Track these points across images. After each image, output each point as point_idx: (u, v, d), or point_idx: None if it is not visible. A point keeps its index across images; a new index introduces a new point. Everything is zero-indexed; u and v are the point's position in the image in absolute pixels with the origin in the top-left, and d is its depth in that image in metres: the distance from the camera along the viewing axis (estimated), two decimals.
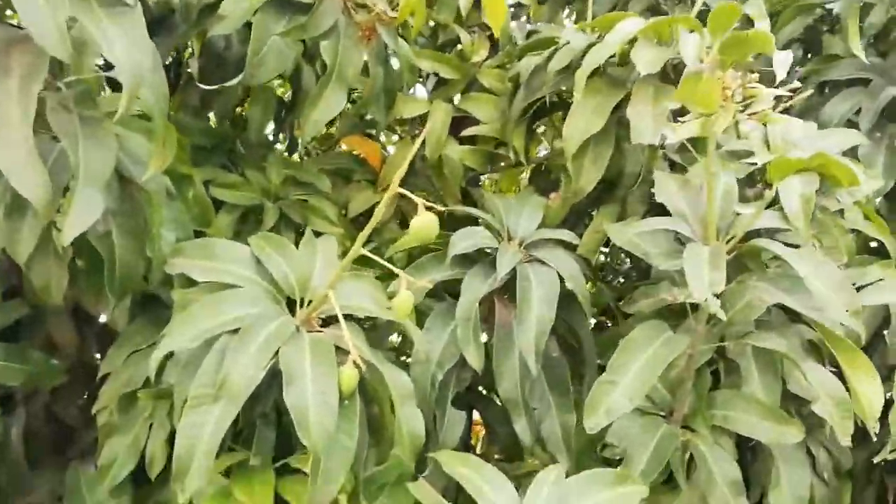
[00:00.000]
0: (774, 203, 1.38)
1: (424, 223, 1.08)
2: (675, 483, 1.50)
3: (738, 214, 1.34)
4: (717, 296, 1.16)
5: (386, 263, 1.18)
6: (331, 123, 2.44)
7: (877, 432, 1.26)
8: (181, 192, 1.44)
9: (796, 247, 1.32)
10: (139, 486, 1.59)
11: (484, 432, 2.06)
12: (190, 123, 1.96)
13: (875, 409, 1.23)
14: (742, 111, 1.28)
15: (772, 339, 1.35)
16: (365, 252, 1.18)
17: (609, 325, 2.10)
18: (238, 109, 2.30)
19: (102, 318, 1.90)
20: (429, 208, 1.10)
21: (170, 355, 1.35)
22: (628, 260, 2.41)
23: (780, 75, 1.20)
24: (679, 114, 1.61)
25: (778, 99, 1.30)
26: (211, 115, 2.15)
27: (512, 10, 3.00)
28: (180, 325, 1.18)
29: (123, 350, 1.62)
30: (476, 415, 1.89)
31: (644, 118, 1.53)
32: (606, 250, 2.59)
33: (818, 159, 1.18)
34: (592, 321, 2.15)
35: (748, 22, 1.56)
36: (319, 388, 1.10)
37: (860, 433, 1.34)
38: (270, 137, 2.40)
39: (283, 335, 1.16)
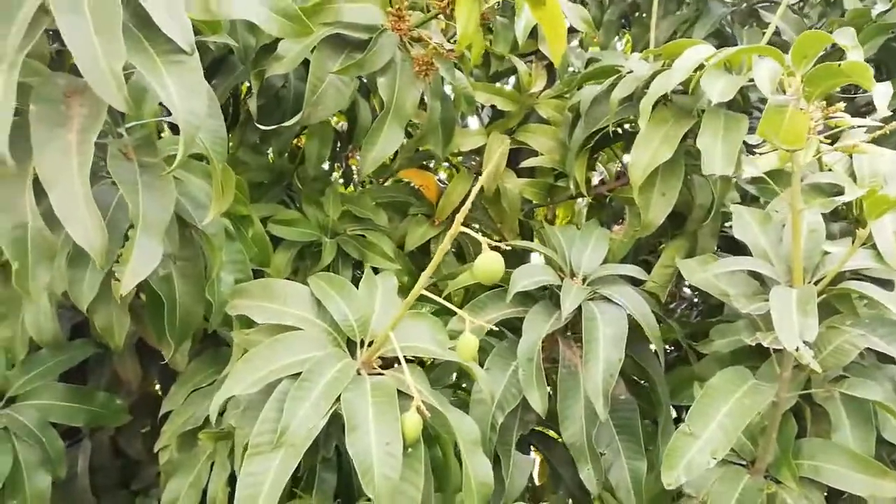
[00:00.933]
0: (866, 242, 1.29)
1: (489, 263, 1.03)
2: None
3: (826, 253, 1.24)
4: (808, 344, 1.08)
5: (447, 304, 1.13)
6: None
7: None
8: (240, 233, 1.44)
9: (889, 286, 1.22)
10: None
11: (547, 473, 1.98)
12: (249, 160, 1.99)
13: None
14: (827, 142, 1.19)
15: (865, 387, 1.25)
16: (426, 293, 1.13)
17: (676, 354, 1.99)
18: (295, 142, 2.31)
19: None
20: (494, 248, 1.05)
21: (230, 397, 1.35)
22: (694, 294, 2.30)
23: (882, 110, 1.11)
24: (753, 145, 1.53)
25: (880, 127, 1.22)
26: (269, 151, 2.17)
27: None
28: (241, 370, 1.15)
29: (184, 389, 1.63)
30: None
31: (715, 148, 1.45)
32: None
33: None
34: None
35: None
36: (383, 437, 1.06)
37: None
38: (326, 167, 2.41)
39: (345, 380, 1.12)
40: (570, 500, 1.73)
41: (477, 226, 2.08)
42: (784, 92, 1.10)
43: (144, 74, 0.90)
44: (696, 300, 2.43)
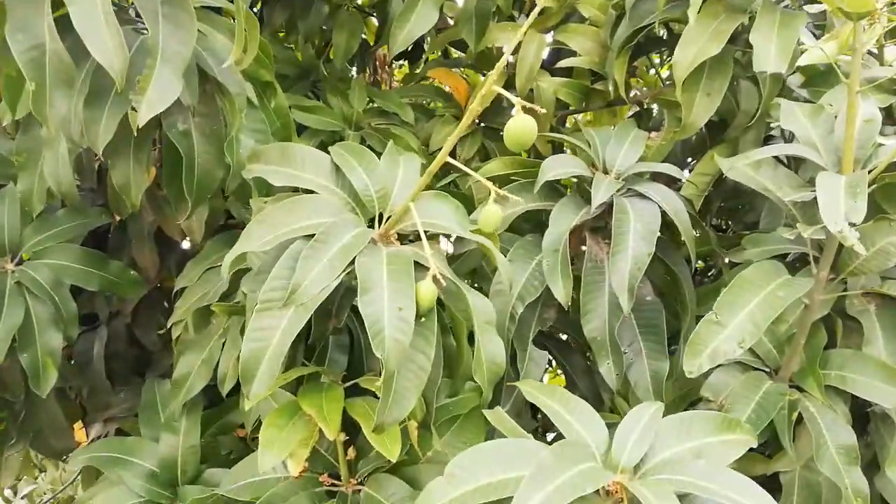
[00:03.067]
0: None
1: (522, 125, 0.97)
2: (772, 449, 1.37)
3: (879, 145, 1.16)
4: (855, 228, 1.01)
5: (473, 173, 1.08)
6: (415, 62, 2.37)
7: None
8: (263, 102, 1.39)
9: None
10: (212, 404, 1.59)
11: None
12: (274, 51, 1.92)
13: None
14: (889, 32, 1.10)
15: None
16: (451, 161, 1.08)
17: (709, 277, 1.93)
18: (325, 45, 2.24)
19: (184, 245, 1.92)
20: (528, 110, 0.99)
21: (244, 272, 1.32)
22: (727, 215, 2.21)
23: None
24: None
25: None
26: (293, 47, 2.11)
27: None
28: (255, 229, 1.11)
29: (200, 266, 1.61)
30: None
31: (770, 43, 1.37)
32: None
33: None
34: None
35: None
36: (396, 302, 1.02)
37: None
38: (353, 72, 2.35)
39: (360, 245, 1.08)
40: None
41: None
42: None
43: None
44: (729, 223, 2.33)
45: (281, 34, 2.12)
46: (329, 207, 1.16)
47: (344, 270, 1.06)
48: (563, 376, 1.73)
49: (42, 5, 0.92)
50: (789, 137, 1.45)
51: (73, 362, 1.93)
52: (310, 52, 2.03)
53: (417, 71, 2.31)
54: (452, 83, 2.02)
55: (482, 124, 1.96)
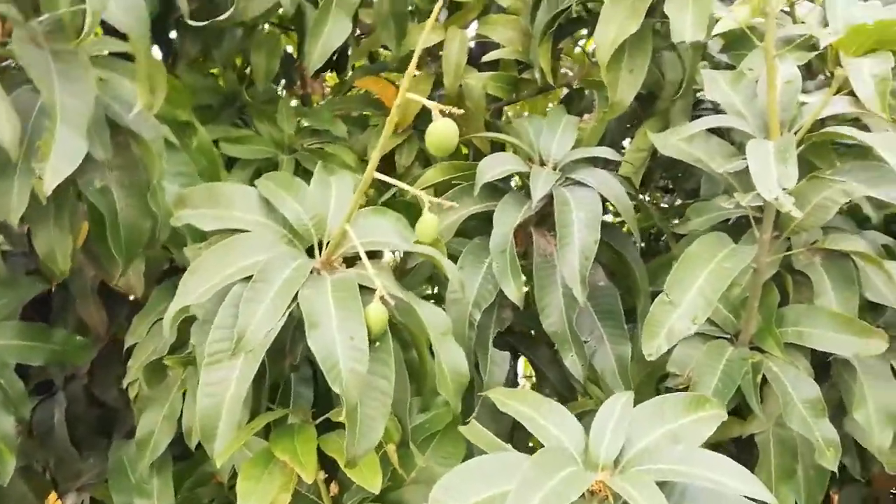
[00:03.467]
0: (841, 91, 1.22)
1: (442, 130, 0.96)
2: (742, 410, 1.38)
3: (802, 104, 1.17)
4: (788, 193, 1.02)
5: (404, 185, 1.05)
6: (341, 71, 2.33)
7: None
8: (183, 142, 1.34)
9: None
10: (182, 459, 1.55)
11: (534, 379, 1.95)
12: (192, 80, 1.86)
13: None
14: None
15: (848, 241, 1.20)
16: (379, 175, 1.06)
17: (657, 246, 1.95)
18: (245, 68, 2.18)
19: (133, 297, 1.85)
20: (446, 114, 0.97)
21: (191, 320, 1.28)
22: (669, 182, 2.24)
23: None
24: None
25: None
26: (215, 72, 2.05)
27: None
28: (190, 280, 1.08)
29: (147, 319, 1.56)
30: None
31: (685, 13, 1.36)
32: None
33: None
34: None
35: None
36: (346, 331, 1.00)
37: None
38: (280, 91, 2.30)
39: (301, 278, 1.05)
40: (557, 399, 1.70)
41: None
42: None
43: None
44: (672, 191, 2.36)
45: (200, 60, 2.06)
46: (264, 244, 1.12)
47: (289, 307, 1.03)
48: None
49: None
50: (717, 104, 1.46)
51: (33, 434, 1.86)
52: (231, 77, 1.98)
53: (346, 79, 2.27)
54: (380, 90, 1.98)
55: (417, 128, 1.93)
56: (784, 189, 1.00)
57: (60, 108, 0.92)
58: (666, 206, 2.35)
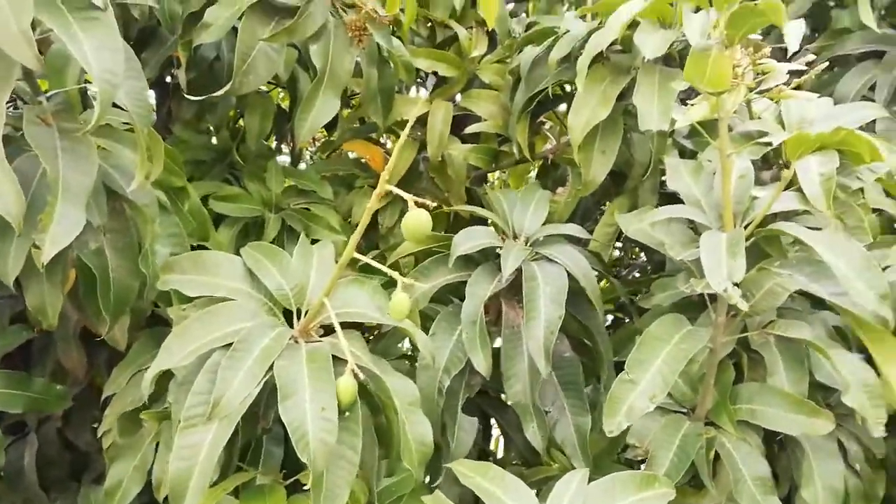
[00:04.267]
0: (792, 185, 1.31)
1: (415, 220, 1.03)
2: (701, 482, 1.44)
3: (755, 198, 1.26)
4: (738, 285, 1.09)
5: (381, 266, 1.12)
6: (331, 129, 2.42)
7: None
8: (176, 206, 1.41)
9: (818, 230, 1.24)
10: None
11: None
12: (187, 137, 1.94)
13: None
14: (754, 89, 1.20)
15: (797, 328, 1.28)
16: (358, 255, 1.13)
17: (626, 321, 2.02)
18: (238, 122, 2.27)
19: None
20: (420, 205, 1.05)
21: (170, 374, 1.33)
22: (643, 254, 2.33)
23: (793, 47, 1.13)
24: (687, 98, 1.54)
25: (791, 75, 1.23)
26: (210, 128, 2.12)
27: (512, 4, 2.96)
28: (173, 343, 1.14)
29: (127, 370, 1.59)
30: None
31: (651, 104, 1.47)
32: (620, 245, 2.52)
33: (838, 134, 1.10)
34: (609, 318, 2.09)
35: None
36: (318, 402, 1.05)
37: (891, 421, 1.27)
38: (273, 148, 2.38)
39: (278, 348, 1.11)
40: (522, 461, 1.75)
41: (430, 196, 2.07)
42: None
43: (56, 31, 0.88)
44: (648, 267, 2.46)
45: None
46: (246, 313, 1.18)
47: (264, 377, 1.09)
48: None
49: None
50: None
51: (2, 476, 1.87)
52: (224, 136, 2.06)
53: (334, 139, 2.36)
54: (368, 154, 2.07)
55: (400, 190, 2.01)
56: (733, 282, 1.08)
57: (63, 184, 0.99)
58: (641, 273, 2.44)
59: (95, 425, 1.90)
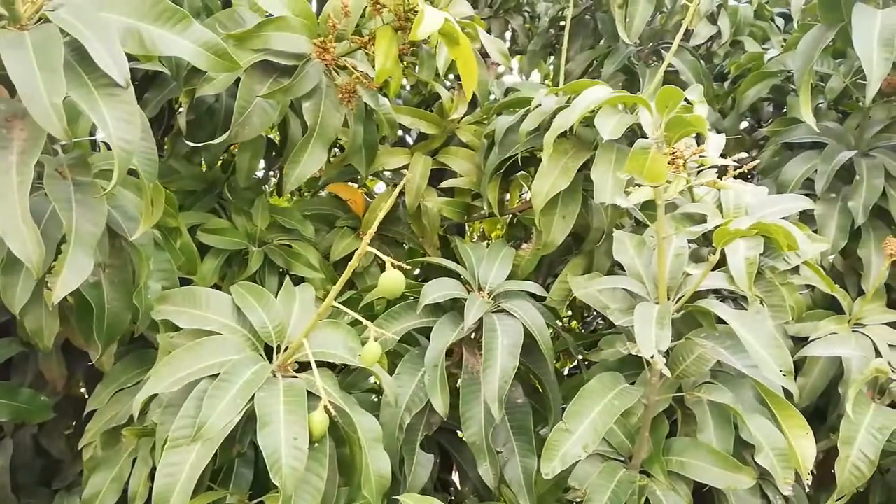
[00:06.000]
0: (724, 264, 1.48)
1: (391, 280, 1.18)
2: None
3: (688, 275, 1.43)
4: (666, 353, 1.25)
5: (357, 316, 1.26)
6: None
7: (809, 483, 1.34)
8: (168, 243, 1.53)
9: (744, 308, 1.41)
10: None
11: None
12: (181, 168, 2.07)
13: (808, 462, 1.31)
14: (689, 182, 1.37)
15: (721, 393, 1.44)
16: (337, 305, 1.26)
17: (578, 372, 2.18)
18: (228, 153, 2.40)
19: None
20: (397, 266, 1.19)
21: (153, 396, 1.44)
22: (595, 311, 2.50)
23: (713, 158, 1.30)
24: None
25: (738, 166, 1.40)
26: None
27: (499, 66, 3.15)
28: (163, 370, 1.26)
29: (110, 388, 1.70)
30: None
31: (606, 179, 1.63)
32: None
33: (757, 227, 1.28)
34: (565, 370, 2.24)
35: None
36: (291, 433, 1.18)
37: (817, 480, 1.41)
38: (260, 175, 2.50)
39: (259, 381, 1.24)
40: (476, 496, 1.88)
41: (406, 240, 2.21)
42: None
43: (82, 106, 1.00)
44: (601, 320, 2.63)
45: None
46: (231, 346, 1.31)
47: (245, 406, 1.22)
48: None
49: None
50: None
51: None
52: (216, 171, 2.18)
53: (318, 179, 2.50)
54: (349, 196, 2.22)
55: (378, 234, 2.16)
56: (659, 350, 1.24)
57: (76, 233, 1.11)
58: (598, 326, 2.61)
59: (68, 433, 2.00)
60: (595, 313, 2.88)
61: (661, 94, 1.20)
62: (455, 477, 2.21)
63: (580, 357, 1.84)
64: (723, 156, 1.43)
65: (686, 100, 1.44)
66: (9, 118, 1.00)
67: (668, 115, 1.22)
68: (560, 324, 1.86)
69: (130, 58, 1.10)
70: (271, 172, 2.78)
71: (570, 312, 2.89)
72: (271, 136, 2.48)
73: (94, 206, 1.14)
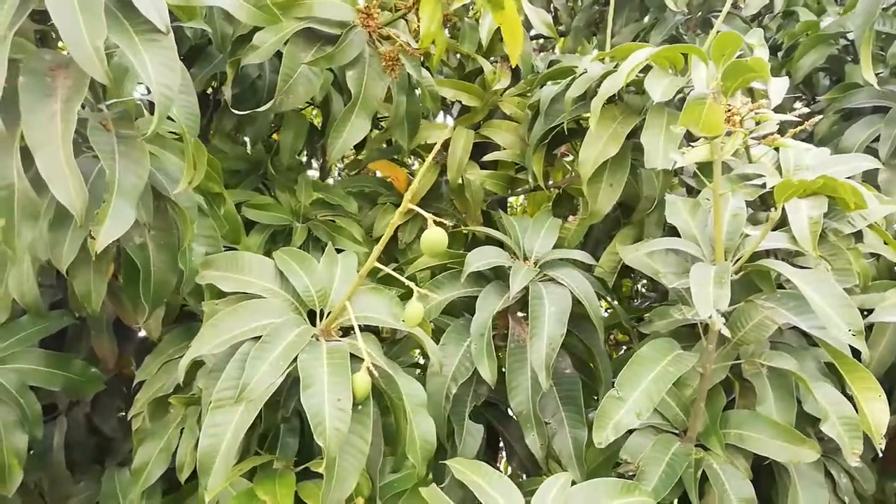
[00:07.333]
0: (784, 225, 1.41)
1: (433, 237, 1.14)
2: (689, 501, 1.51)
3: (746, 235, 1.36)
4: (725, 314, 1.19)
5: (399, 276, 1.23)
6: (360, 148, 2.55)
7: (882, 450, 1.25)
8: (213, 210, 1.54)
9: (807, 269, 1.33)
10: (170, 491, 1.67)
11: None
12: (226, 148, 2.09)
13: (881, 427, 1.23)
14: (748, 135, 1.31)
15: (784, 360, 1.36)
16: (378, 265, 1.24)
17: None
18: (272, 135, 2.41)
19: (142, 334, 2.01)
20: (438, 223, 1.16)
21: (201, 364, 1.44)
22: (651, 284, 2.43)
23: (775, 101, 1.23)
24: (693, 139, 1.65)
25: (799, 123, 1.33)
26: (247, 140, 2.27)
27: (540, 41, 3.10)
28: (207, 333, 1.25)
29: (158, 359, 1.72)
30: None
31: (657, 144, 1.57)
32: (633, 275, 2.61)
33: (822, 181, 1.20)
34: (612, 341, 2.17)
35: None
36: (334, 393, 1.16)
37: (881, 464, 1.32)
38: (303, 159, 2.51)
39: (302, 343, 1.22)
40: (524, 472, 1.84)
41: (448, 216, 2.18)
42: None
43: (124, 50, 1.00)
44: (654, 294, 2.56)
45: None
46: (274, 309, 1.30)
47: (288, 368, 1.20)
48: None
49: (11, 149, 1.06)
50: None
51: (31, 453, 1.98)
52: (259, 149, 2.20)
53: (361, 158, 2.50)
54: (392, 173, 2.20)
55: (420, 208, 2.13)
56: (718, 310, 1.17)
57: (119, 183, 1.12)
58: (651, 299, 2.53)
59: (121, 413, 2.03)
60: (641, 296, 2.81)
61: (717, 40, 1.15)
62: (500, 460, 2.18)
63: (631, 332, 1.78)
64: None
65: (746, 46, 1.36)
66: (53, 67, 1.00)
67: (725, 64, 1.16)
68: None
69: (173, 18, 1.10)
70: (314, 158, 2.79)
71: (615, 296, 2.82)
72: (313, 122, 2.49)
73: (137, 158, 1.15)
